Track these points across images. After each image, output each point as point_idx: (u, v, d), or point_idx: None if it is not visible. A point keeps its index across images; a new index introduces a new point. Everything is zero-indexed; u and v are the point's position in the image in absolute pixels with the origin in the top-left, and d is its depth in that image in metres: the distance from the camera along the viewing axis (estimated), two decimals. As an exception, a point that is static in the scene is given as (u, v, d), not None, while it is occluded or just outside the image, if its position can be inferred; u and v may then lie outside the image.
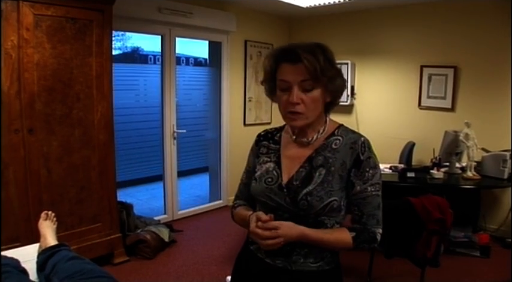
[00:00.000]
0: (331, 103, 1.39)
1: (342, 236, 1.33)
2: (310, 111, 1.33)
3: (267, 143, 1.50)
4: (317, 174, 1.33)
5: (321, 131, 1.39)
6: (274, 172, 1.40)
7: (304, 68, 1.26)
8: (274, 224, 1.27)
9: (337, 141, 1.37)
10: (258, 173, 1.44)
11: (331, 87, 1.33)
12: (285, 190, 1.35)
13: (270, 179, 1.39)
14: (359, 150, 1.33)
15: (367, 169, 1.32)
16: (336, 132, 1.40)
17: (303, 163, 1.37)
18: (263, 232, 1.27)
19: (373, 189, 1.33)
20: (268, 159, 1.45)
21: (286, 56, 1.31)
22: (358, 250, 1.37)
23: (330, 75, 1.30)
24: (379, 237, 1.35)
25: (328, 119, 1.42)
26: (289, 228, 1.28)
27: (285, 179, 1.37)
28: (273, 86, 1.38)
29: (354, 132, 1.40)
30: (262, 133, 1.55)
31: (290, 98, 1.30)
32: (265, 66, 1.38)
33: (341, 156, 1.34)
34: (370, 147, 1.35)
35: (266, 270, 1.40)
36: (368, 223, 1.33)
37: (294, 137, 1.42)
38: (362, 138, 1.35)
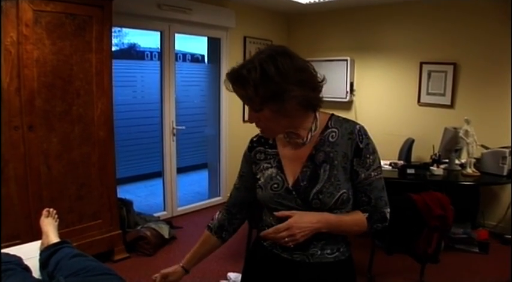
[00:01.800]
0: (308, 105, 1.32)
1: (357, 216, 1.37)
2: (271, 127, 1.33)
3: (262, 148, 1.48)
4: (322, 170, 1.33)
5: (314, 129, 1.37)
6: (278, 177, 1.39)
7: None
8: (284, 226, 1.27)
9: (333, 134, 1.36)
10: (262, 180, 1.43)
11: (282, 104, 1.25)
12: (293, 193, 1.35)
13: (275, 185, 1.38)
14: (357, 139, 1.33)
15: (368, 155, 1.34)
16: (329, 124, 1.38)
17: (305, 162, 1.37)
18: (279, 235, 1.27)
19: (376, 174, 1.36)
20: (269, 165, 1.43)
21: None
22: (369, 240, 1.39)
23: (270, 97, 1.24)
24: (388, 216, 1.39)
25: (317, 114, 1.38)
26: (300, 216, 1.29)
27: (290, 182, 1.37)
28: None
29: (347, 120, 1.39)
30: (254, 139, 1.53)
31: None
32: (227, 87, 1.36)
33: (341, 149, 1.34)
34: (366, 134, 1.36)
35: (283, 265, 1.41)
36: (377, 206, 1.37)
37: (288, 138, 1.41)
38: (357, 126, 1.36)
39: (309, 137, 1.37)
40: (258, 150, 1.49)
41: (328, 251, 1.38)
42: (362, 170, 1.34)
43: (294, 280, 1.40)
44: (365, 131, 1.36)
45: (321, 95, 1.34)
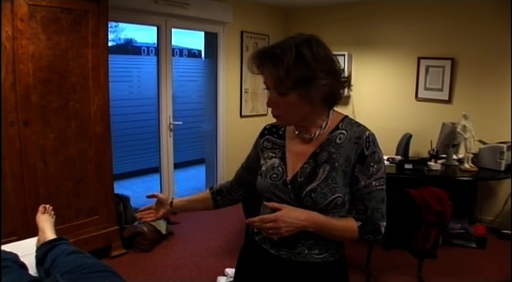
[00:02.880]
0: (330, 98, 1.33)
1: (349, 223, 1.33)
2: (288, 114, 1.32)
3: (271, 137, 1.48)
4: (321, 170, 1.32)
5: (323, 126, 1.36)
6: (279, 168, 1.39)
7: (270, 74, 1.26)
8: (270, 217, 1.27)
9: (342, 136, 1.34)
10: (263, 168, 1.43)
11: (310, 91, 1.25)
12: (289, 186, 1.34)
13: (275, 175, 1.38)
14: (363, 146, 1.30)
15: (372, 164, 1.30)
16: (340, 125, 1.36)
17: (307, 159, 1.35)
18: (264, 225, 1.26)
19: (377, 184, 1.32)
20: (273, 155, 1.43)
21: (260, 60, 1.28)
22: (363, 241, 1.38)
23: (302, 80, 1.23)
24: (383, 230, 1.35)
25: (331, 112, 1.38)
26: (289, 210, 1.28)
27: (289, 175, 1.36)
28: None
29: (358, 125, 1.36)
30: (267, 127, 1.53)
31: (267, 100, 1.31)
32: (251, 69, 1.33)
33: (345, 152, 1.31)
34: (375, 142, 1.32)
35: (271, 261, 1.40)
36: (373, 217, 1.33)
37: (297, 132, 1.41)
38: (367, 133, 1.32)
39: (317, 133, 1.36)
40: (267, 138, 1.49)
41: (316, 251, 1.36)
42: (363, 178, 1.31)
43: (281, 277, 1.39)
44: (374, 138, 1.32)
45: (342, 91, 1.35)
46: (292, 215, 1.27)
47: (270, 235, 1.28)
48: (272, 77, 1.25)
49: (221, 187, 1.67)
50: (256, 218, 1.29)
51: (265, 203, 1.35)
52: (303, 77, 1.22)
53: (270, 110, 1.35)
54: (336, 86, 1.30)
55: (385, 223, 1.35)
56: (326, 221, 1.30)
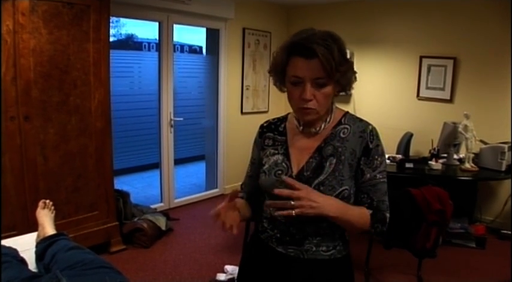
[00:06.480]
0: (348, 88, 1.37)
1: (363, 210, 1.35)
2: (321, 106, 1.32)
3: (271, 134, 1.48)
4: (328, 163, 1.33)
5: (328, 120, 1.38)
6: (284, 164, 1.39)
7: (319, 64, 1.23)
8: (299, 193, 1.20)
9: (345, 130, 1.37)
10: (266, 166, 1.42)
11: (343, 81, 1.31)
12: None
13: (279, 171, 1.38)
14: (368, 139, 1.34)
15: (376, 157, 1.34)
16: (342, 120, 1.39)
17: (312, 154, 1.36)
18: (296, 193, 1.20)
19: (381, 176, 1.35)
20: (276, 151, 1.43)
21: (299, 50, 1.26)
22: (367, 236, 1.38)
23: (343, 70, 1.27)
24: (388, 220, 1.37)
25: (334, 107, 1.40)
26: (311, 190, 1.25)
27: (295, 170, 1.36)
28: (283, 78, 1.35)
29: (361, 120, 1.40)
30: (265, 124, 1.53)
31: (303, 95, 1.27)
32: (276, 59, 1.34)
33: (350, 145, 1.34)
34: (377, 135, 1.36)
35: (277, 259, 1.40)
36: (380, 208, 1.36)
37: (301, 127, 1.41)
38: (370, 127, 1.36)
39: (322, 127, 1.38)
40: (267, 136, 1.49)
41: (324, 248, 1.37)
42: (368, 170, 1.34)
43: (288, 275, 1.39)
44: (377, 132, 1.37)
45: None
46: (315, 194, 1.24)
47: (291, 207, 1.18)
48: (321, 68, 1.23)
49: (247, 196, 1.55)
50: (285, 192, 1.20)
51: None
52: (345, 68, 1.27)
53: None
54: (354, 78, 1.35)
55: (388, 214, 1.37)
56: (344, 204, 1.30)
